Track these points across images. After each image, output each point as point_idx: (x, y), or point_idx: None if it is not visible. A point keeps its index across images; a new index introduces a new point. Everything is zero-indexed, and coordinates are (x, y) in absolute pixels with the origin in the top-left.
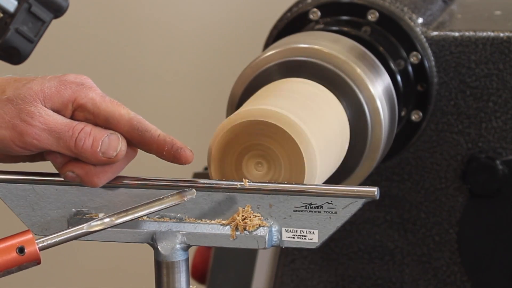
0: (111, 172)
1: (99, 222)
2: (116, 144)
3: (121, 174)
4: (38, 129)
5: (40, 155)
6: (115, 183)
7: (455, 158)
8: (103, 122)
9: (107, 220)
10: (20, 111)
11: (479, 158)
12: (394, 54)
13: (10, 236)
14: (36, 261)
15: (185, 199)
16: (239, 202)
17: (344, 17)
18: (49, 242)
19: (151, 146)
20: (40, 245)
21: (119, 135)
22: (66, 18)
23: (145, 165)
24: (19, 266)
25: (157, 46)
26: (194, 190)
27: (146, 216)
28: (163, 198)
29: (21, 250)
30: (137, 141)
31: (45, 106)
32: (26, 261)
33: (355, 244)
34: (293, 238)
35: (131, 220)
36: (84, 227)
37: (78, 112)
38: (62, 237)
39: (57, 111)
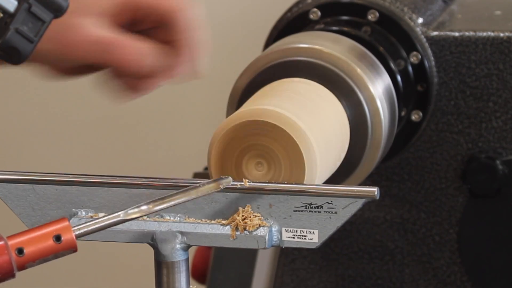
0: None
1: (136, 210)
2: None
3: (121, 174)
4: (80, 40)
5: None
6: (115, 183)
7: (455, 158)
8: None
9: (144, 207)
10: (66, 24)
11: (479, 158)
12: (394, 54)
13: (46, 224)
14: (73, 249)
15: (222, 187)
16: (239, 202)
17: (344, 17)
18: (85, 229)
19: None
20: (77, 232)
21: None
22: None
23: (145, 165)
24: (56, 254)
25: None
26: (230, 178)
27: (146, 216)
28: (199, 186)
29: (57, 238)
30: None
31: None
32: (63, 249)
33: (355, 244)
34: (293, 238)
35: (168, 207)
36: (120, 215)
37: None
38: (99, 225)
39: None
